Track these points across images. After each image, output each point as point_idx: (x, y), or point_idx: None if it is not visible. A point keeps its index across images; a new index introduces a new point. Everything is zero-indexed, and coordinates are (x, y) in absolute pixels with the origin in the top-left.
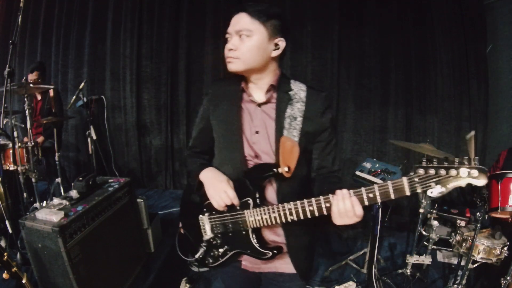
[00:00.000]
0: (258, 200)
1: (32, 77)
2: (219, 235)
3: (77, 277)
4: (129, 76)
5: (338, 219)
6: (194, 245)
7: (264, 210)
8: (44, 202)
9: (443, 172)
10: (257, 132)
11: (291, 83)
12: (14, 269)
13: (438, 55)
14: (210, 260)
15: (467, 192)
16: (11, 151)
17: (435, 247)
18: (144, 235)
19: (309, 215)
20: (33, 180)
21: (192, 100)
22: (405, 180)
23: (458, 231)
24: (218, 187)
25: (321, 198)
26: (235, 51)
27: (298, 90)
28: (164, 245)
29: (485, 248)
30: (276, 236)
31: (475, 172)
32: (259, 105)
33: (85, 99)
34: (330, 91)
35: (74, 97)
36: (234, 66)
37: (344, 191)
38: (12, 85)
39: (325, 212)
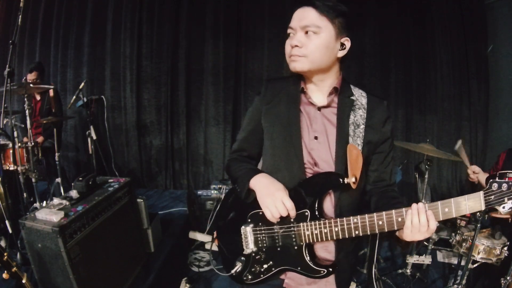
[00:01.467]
0: (316, 212)
1: (31, 77)
2: (264, 250)
3: (77, 277)
4: (129, 76)
5: (410, 235)
6: (229, 259)
7: (324, 223)
8: (44, 202)
9: None
10: (316, 138)
11: (352, 88)
12: (14, 269)
13: (438, 55)
14: (249, 276)
15: (467, 192)
16: (11, 151)
17: (435, 247)
18: (144, 235)
19: (377, 230)
20: (33, 180)
21: (192, 100)
22: (481, 194)
23: (458, 231)
24: (275, 196)
25: (393, 211)
26: (300, 48)
27: (359, 96)
28: (164, 245)
29: (485, 248)
30: (327, 253)
31: None
32: (319, 108)
33: (85, 99)
34: None
35: (74, 97)
36: (299, 64)
37: (420, 204)
38: (12, 85)
39: (395, 227)
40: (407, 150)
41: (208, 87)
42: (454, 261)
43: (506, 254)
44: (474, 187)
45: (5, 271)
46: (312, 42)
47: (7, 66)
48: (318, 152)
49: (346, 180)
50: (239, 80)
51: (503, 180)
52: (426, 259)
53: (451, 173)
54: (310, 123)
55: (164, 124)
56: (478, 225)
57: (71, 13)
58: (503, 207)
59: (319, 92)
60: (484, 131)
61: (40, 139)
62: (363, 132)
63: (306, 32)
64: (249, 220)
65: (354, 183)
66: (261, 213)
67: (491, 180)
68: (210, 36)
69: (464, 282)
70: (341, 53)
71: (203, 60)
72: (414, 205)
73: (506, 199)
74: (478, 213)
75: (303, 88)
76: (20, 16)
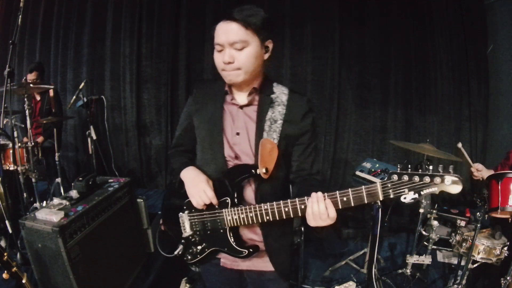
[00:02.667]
0: (236, 200)
1: (31, 77)
2: (198, 233)
3: (77, 277)
4: (129, 76)
5: (312, 221)
6: (174, 242)
7: (241, 209)
8: (44, 202)
9: (416, 178)
10: (238, 134)
11: (274, 86)
12: (14, 269)
13: (438, 55)
14: (189, 257)
15: (467, 192)
16: (11, 151)
17: (435, 247)
18: (144, 235)
19: (284, 216)
20: (33, 180)
21: None
22: (379, 185)
23: (458, 231)
24: (198, 187)
25: (297, 200)
26: (233, 64)
27: (280, 93)
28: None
29: (485, 248)
30: (254, 235)
31: (448, 180)
32: (241, 107)
33: (85, 99)
34: (330, 91)
35: (74, 97)
36: (235, 77)
37: (319, 193)
38: (12, 85)
39: (300, 214)
40: (407, 150)
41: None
42: (454, 261)
43: (506, 254)
44: (478, 185)
45: (5, 271)
46: (243, 56)
47: (7, 66)
48: (240, 146)
49: (258, 171)
50: None
51: (404, 172)
52: (426, 259)
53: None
54: (233, 120)
55: (164, 124)
56: (478, 225)
57: (71, 13)
58: (404, 198)
59: (242, 92)
60: (484, 131)
61: (40, 139)
62: (280, 126)
63: (235, 48)
64: (185, 207)
65: (265, 173)
66: None
67: (391, 171)
68: (210, 36)
69: (464, 282)
70: (266, 56)
71: (203, 60)
72: (313, 194)
73: (406, 190)
74: (478, 213)
75: (227, 90)
76: (20, 16)
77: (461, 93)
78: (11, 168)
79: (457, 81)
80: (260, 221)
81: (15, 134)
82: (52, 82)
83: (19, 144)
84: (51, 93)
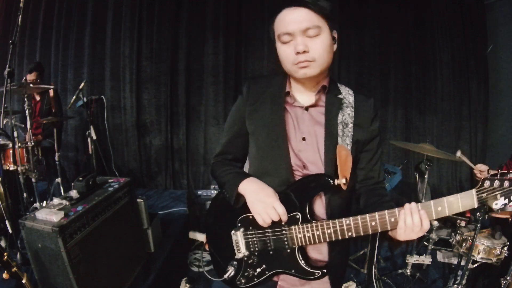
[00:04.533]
0: (308, 215)
1: (30, 77)
2: (257, 254)
3: (77, 277)
4: (129, 76)
5: (403, 235)
6: (222, 264)
7: (316, 226)
8: (44, 202)
9: (507, 184)
10: (303, 139)
11: (339, 87)
12: (14, 269)
13: (438, 55)
14: (243, 281)
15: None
16: (11, 151)
17: (435, 247)
18: (144, 235)
19: (370, 231)
20: (33, 180)
21: (192, 100)
22: (474, 192)
23: (458, 231)
24: (266, 202)
25: (386, 212)
26: (309, 53)
27: (346, 94)
28: (164, 245)
29: (485, 248)
30: (319, 254)
31: None
32: (307, 108)
33: (85, 99)
34: None
35: (74, 97)
36: (311, 70)
37: (413, 204)
38: (12, 85)
39: (389, 228)
40: (407, 150)
41: (208, 87)
42: (454, 261)
43: (506, 254)
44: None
45: (5, 271)
46: (318, 44)
47: (7, 66)
48: (306, 153)
49: (336, 182)
50: (239, 80)
51: (495, 177)
52: (426, 259)
53: (451, 173)
54: (297, 124)
55: (164, 124)
56: (478, 225)
57: (71, 13)
58: (496, 204)
59: (306, 91)
60: (484, 131)
61: (38, 137)
62: (351, 131)
63: (309, 36)
64: (239, 224)
65: (344, 184)
66: (251, 217)
67: (483, 177)
68: (210, 36)
69: (464, 282)
70: (335, 47)
71: (203, 60)
72: (407, 205)
73: (498, 195)
74: (478, 213)
75: (289, 92)
76: (20, 16)
77: (461, 93)
78: (11, 168)
79: (457, 81)
80: (339, 238)
81: (15, 134)
82: (52, 82)
83: (19, 144)
84: (51, 93)
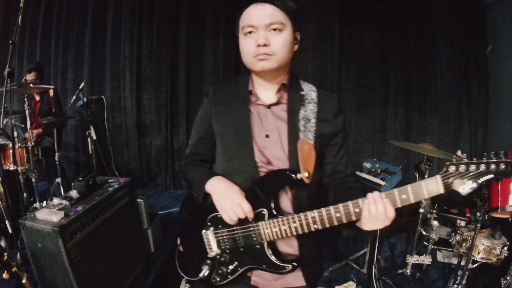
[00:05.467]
0: (274, 211)
1: (30, 77)
2: (228, 251)
3: (77, 277)
4: (129, 76)
5: (368, 224)
6: (196, 263)
7: (282, 220)
8: (44, 202)
9: (473, 167)
10: (267, 136)
11: (301, 83)
12: (14, 269)
13: (438, 55)
14: (217, 278)
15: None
16: (11, 151)
17: (435, 247)
18: (144, 235)
19: (335, 222)
20: (33, 180)
21: (192, 100)
22: (438, 178)
23: (458, 231)
24: (232, 200)
25: (349, 203)
26: (269, 47)
27: (309, 90)
28: (164, 245)
29: (485, 248)
30: (290, 248)
31: (503, 166)
32: (269, 106)
33: (85, 99)
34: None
35: (74, 97)
36: (268, 63)
37: (376, 193)
38: (12, 85)
39: (354, 218)
40: (407, 150)
41: (208, 87)
42: (454, 261)
43: (506, 254)
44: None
45: (5, 271)
46: (279, 40)
47: (7, 66)
48: (271, 150)
49: (299, 176)
50: None
51: (460, 162)
52: (426, 259)
53: None
54: (261, 122)
55: (164, 124)
56: (478, 225)
57: (71, 13)
58: (463, 188)
59: (268, 90)
60: (484, 131)
61: (39, 129)
62: (314, 126)
63: (272, 30)
64: (209, 223)
65: (307, 178)
66: (219, 215)
67: (447, 163)
68: (210, 36)
69: (464, 282)
70: (295, 47)
71: (203, 60)
72: (369, 195)
73: (465, 180)
74: (478, 213)
75: (251, 90)
76: (20, 16)
77: (461, 93)
78: (11, 168)
79: (457, 81)
80: (306, 231)
81: (15, 134)
82: (52, 82)
83: (19, 144)
84: (51, 93)
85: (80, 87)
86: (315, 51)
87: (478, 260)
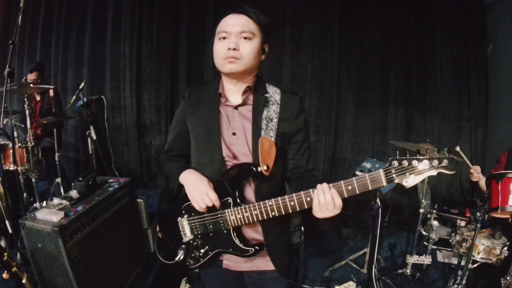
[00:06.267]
0: (238, 199)
1: (31, 77)
2: (200, 236)
3: (77, 277)
4: (129, 76)
5: (319, 212)
6: (173, 248)
7: (245, 208)
8: (44, 202)
9: (415, 163)
10: (234, 134)
11: (266, 86)
12: (14, 269)
13: (438, 55)
14: (191, 262)
15: (467, 192)
16: (11, 151)
17: (435, 247)
18: (144, 235)
19: (290, 210)
20: (33, 180)
21: None
22: (381, 172)
23: (458, 231)
24: (200, 190)
25: (302, 192)
26: (238, 51)
27: (273, 93)
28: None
29: (485, 248)
30: (256, 234)
31: (445, 162)
32: (236, 107)
33: (85, 99)
34: (330, 91)
35: (74, 97)
36: (236, 66)
37: (324, 184)
38: (12, 85)
39: (306, 206)
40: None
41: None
42: (454, 261)
43: (506, 254)
44: (475, 186)
45: (5, 271)
46: (247, 46)
47: (7, 66)
48: (237, 146)
49: (258, 169)
50: None
51: (403, 157)
52: (426, 259)
53: None
54: (229, 121)
55: (164, 124)
56: (478, 225)
57: (72, 13)
58: (406, 181)
59: (236, 92)
60: (484, 131)
61: (38, 131)
62: (276, 125)
63: (243, 38)
64: (183, 211)
65: (266, 170)
66: (192, 204)
67: (391, 158)
68: (210, 36)
69: (464, 282)
70: (263, 57)
71: (203, 60)
72: (318, 185)
73: (407, 174)
74: (478, 213)
75: (221, 93)
76: (20, 16)
77: (461, 93)
78: (11, 168)
79: (457, 81)
80: (265, 218)
81: (15, 134)
82: (52, 82)
83: (19, 144)
84: (51, 93)
85: (80, 87)
86: (315, 51)
87: (478, 260)
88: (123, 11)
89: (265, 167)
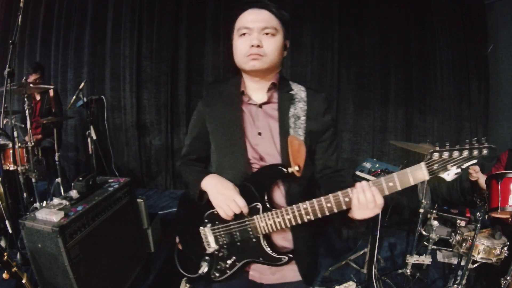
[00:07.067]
0: (267, 204)
1: (34, 76)
2: (225, 246)
3: (77, 277)
4: (129, 76)
5: (359, 212)
6: (195, 260)
7: (276, 213)
8: (44, 202)
9: (456, 154)
10: (259, 134)
11: (290, 84)
12: (14, 269)
13: (438, 55)
14: (217, 274)
15: (467, 192)
16: (11, 151)
17: (435, 247)
18: (144, 235)
19: (327, 212)
20: (33, 180)
21: (192, 100)
22: (423, 165)
23: (458, 231)
24: (226, 195)
25: (339, 192)
26: (261, 48)
27: (299, 90)
28: (164, 245)
29: (485, 248)
30: (285, 242)
31: (485, 151)
32: (260, 105)
33: (85, 99)
34: (330, 91)
35: (74, 97)
36: (259, 63)
37: (364, 182)
38: (12, 85)
39: (344, 207)
40: (407, 150)
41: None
42: (454, 261)
43: (506, 254)
44: (475, 186)
45: (5, 271)
46: (272, 43)
47: (7, 66)
48: (263, 147)
49: (289, 170)
50: None
51: (443, 149)
52: (426, 259)
53: None
54: (253, 120)
55: (164, 124)
56: (478, 225)
57: (71, 13)
58: (448, 174)
59: (259, 90)
60: (484, 131)
61: (39, 136)
62: (304, 123)
63: (266, 34)
64: (206, 220)
65: (297, 171)
66: (216, 212)
67: (431, 150)
68: (210, 36)
69: (464, 282)
70: (284, 53)
71: (203, 60)
72: (357, 184)
73: (449, 166)
74: (478, 213)
75: (243, 91)
76: (20, 16)
77: (461, 93)
78: (11, 168)
79: (457, 81)
80: (299, 222)
81: (15, 134)
82: (52, 82)
83: (19, 144)
84: (51, 93)
85: (80, 87)
86: (315, 51)
87: (478, 260)
88: (123, 11)
89: (296, 168)
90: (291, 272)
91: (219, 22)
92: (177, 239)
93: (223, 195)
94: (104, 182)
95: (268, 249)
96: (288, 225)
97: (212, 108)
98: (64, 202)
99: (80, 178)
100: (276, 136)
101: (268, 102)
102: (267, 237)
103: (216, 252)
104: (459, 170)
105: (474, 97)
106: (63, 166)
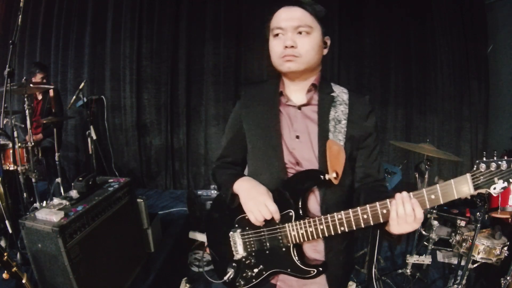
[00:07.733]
0: (300, 211)
1: (40, 75)
2: (253, 254)
3: (77, 277)
4: (129, 76)
5: (397, 227)
6: (222, 266)
7: (309, 222)
8: (44, 202)
9: (504, 165)
10: (297, 137)
11: (332, 86)
12: (14, 269)
13: (438, 55)
14: (242, 282)
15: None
16: (11, 151)
17: (435, 247)
18: (144, 235)
19: (362, 225)
20: (33, 180)
21: (192, 100)
22: (468, 176)
23: (458, 231)
24: (258, 200)
25: (377, 203)
26: (296, 49)
27: (340, 92)
28: (164, 245)
29: (485, 248)
30: (316, 253)
31: None
32: (299, 107)
33: (85, 99)
34: None
35: (74, 97)
36: (295, 65)
37: (404, 193)
38: (12, 85)
39: (381, 220)
40: (407, 150)
41: (208, 87)
42: (454, 261)
43: (506, 254)
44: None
45: (5, 271)
46: (306, 43)
47: (7, 66)
48: (301, 151)
49: (327, 176)
50: (239, 80)
51: (491, 160)
52: (426, 259)
53: (451, 173)
54: (291, 122)
55: (164, 124)
56: (478, 225)
57: (71, 13)
58: (494, 188)
59: (298, 91)
60: (484, 131)
61: (39, 135)
62: (345, 127)
63: (299, 33)
64: (236, 225)
65: (335, 178)
66: (247, 217)
67: (477, 160)
68: (210, 36)
69: (464, 282)
70: (325, 51)
71: (203, 60)
72: (397, 195)
73: (496, 179)
74: (478, 213)
75: (282, 92)
76: (20, 16)
77: (461, 93)
78: (11, 168)
79: (457, 81)
80: (332, 234)
81: (15, 134)
82: (52, 82)
83: (19, 144)
84: (51, 93)
85: (80, 87)
86: None
87: (478, 260)
88: (123, 11)
89: (334, 175)
90: (319, 286)
91: (219, 22)
92: (206, 243)
93: (254, 199)
94: (104, 182)
95: (297, 260)
96: (321, 235)
97: (249, 109)
98: (64, 202)
99: (80, 178)
100: (314, 140)
101: (307, 104)
102: (298, 247)
103: (244, 259)
104: (505, 184)
105: (474, 97)
106: (63, 166)
